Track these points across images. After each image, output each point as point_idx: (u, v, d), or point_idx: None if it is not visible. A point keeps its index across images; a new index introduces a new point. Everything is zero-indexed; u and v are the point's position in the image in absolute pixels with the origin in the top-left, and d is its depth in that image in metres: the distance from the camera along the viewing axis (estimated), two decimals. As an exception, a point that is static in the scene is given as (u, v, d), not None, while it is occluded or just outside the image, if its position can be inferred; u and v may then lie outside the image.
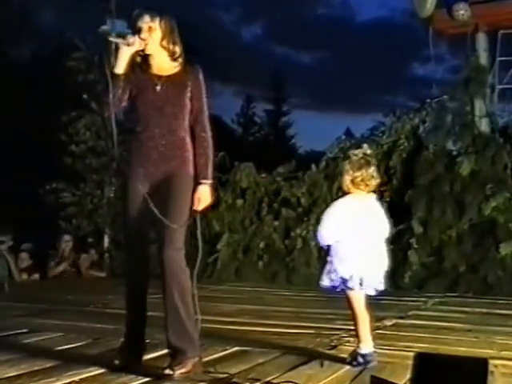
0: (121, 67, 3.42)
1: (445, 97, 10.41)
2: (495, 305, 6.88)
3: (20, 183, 12.68)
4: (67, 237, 10.20)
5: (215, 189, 3.62)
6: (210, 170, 3.51)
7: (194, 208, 3.43)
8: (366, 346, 3.64)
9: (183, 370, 3.27)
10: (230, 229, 10.01)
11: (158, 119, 3.44)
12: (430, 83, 11.24)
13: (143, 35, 3.39)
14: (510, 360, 3.87)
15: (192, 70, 3.51)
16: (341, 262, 3.64)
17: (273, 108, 27.31)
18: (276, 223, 9.88)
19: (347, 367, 3.59)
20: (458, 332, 4.99)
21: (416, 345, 4.17)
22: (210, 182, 3.49)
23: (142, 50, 3.44)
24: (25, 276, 9.32)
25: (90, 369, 3.41)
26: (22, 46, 17.71)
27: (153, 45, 3.44)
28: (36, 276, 9.53)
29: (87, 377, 3.29)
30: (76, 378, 3.24)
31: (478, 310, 6.49)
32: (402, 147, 9.93)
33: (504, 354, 4.08)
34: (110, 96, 3.35)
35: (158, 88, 3.45)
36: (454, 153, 9.75)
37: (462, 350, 4.13)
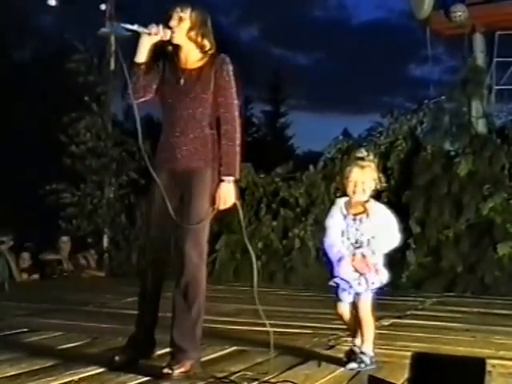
0: (141, 56, 3.32)
1: (442, 97, 10.44)
2: (493, 305, 6.91)
3: (20, 184, 12.69)
4: (65, 238, 10.22)
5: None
6: (234, 167, 3.34)
7: (216, 207, 3.32)
8: (372, 348, 3.65)
9: (182, 370, 3.26)
10: (228, 229, 10.02)
11: (181, 114, 3.35)
12: (427, 84, 11.30)
13: (172, 23, 3.31)
14: (507, 360, 3.89)
15: (217, 61, 3.37)
16: (383, 266, 3.65)
17: (271, 109, 27.31)
18: (274, 223, 9.90)
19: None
20: (455, 332, 5.01)
21: (414, 344, 4.19)
22: (233, 179, 3.34)
23: (170, 40, 3.34)
24: (25, 276, 9.34)
25: (90, 368, 3.42)
26: (24, 47, 17.72)
27: (180, 35, 3.33)
28: (36, 276, 9.55)
29: (86, 376, 3.29)
30: (75, 378, 3.24)
31: (475, 309, 6.51)
32: (399, 148, 9.95)
33: (501, 353, 4.10)
34: (129, 86, 3.24)
35: (182, 82, 3.36)
36: (452, 153, 9.78)
37: (459, 350, 4.14)
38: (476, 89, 10.22)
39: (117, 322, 5.26)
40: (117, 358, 3.42)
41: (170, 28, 3.32)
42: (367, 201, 3.67)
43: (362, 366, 3.55)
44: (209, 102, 3.36)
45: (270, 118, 27.43)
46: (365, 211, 3.65)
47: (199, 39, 3.37)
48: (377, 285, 3.64)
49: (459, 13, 10.21)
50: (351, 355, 3.65)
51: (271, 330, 3.45)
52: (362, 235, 3.63)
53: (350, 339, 3.87)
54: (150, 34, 3.29)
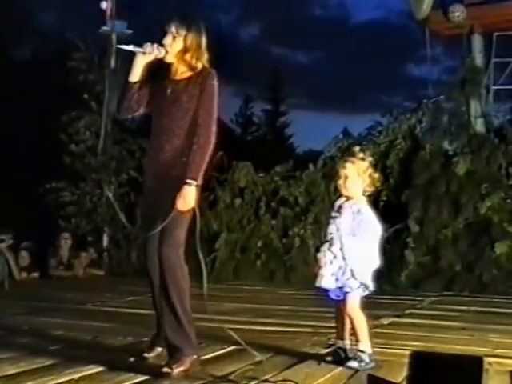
0: (135, 75, 3.41)
1: (441, 97, 10.47)
2: (490, 303, 6.94)
3: (20, 182, 12.70)
4: (66, 234, 10.23)
5: (210, 189, 3.59)
6: (198, 172, 3.38)
7: (175, 207, 3.35)
8: (369, 346, 3.66)
9: (181, 368, 3.29)
10: (228, 228, 10.04)
11: (166, 124, 3.44)
12: (425, 84, 11.32)
13: (166, 41, 3.38)
14: (504, 358, 3.91)
15: (204, 74, 3.44)
16: (363, 265, 3.63)
17: (271, 108, 27.33)
18: (274, 222, 9.92)
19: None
20: (453, 330, 5.04)
21: (412, 343, 4.21)
22: (195, 183, 3.37)
23: (163, 59, 3.42)
24: (24, 274, 9.36)
25: (89, 367, 3.43)
26: (25, 47, 17.74)
27: (173, 55, 3.42)
28: (35, 274, 9.57)
29: (86, 375, 3.30)
30: (75, 376, 3.25)
31: (473, 308, 6.54)
32: (398, 147, 9.98)
33: (499, 351, 4.12)
34: (106, 100, 3.44)
35: (169, 91, 3.44)
36: (450, 153, 9.81)
37: (457, 348, 4.17)
38: (474, 89, 10.25)
39: (116, 320, 5.28)
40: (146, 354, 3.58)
41: (163, 46, 3.39)
42: (352, 198, 3.71)
43: (362, 364, 3.57)
44: (192, 111, 3.43)
45: (271, 116, 27.45)
46: (345, 208, 3.70)
47: (193, 62, 3.44)
48: (355, 285, 3.62)
49: (457, 13, 10.24)
50: (334, 354, 3.68)
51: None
52: (336, 231, 3.67)
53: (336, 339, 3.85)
54: (144, 53, 3.36)
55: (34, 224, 10.55)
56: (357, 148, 3.85)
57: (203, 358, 3.70)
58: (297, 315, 5.87)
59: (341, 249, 3.63)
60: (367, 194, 3.76)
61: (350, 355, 3.65)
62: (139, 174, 10.85)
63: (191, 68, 3.45)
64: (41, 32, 18.10)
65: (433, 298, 7.31)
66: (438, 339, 4.56)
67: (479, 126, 10.33)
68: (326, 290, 3.70)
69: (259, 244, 9.76)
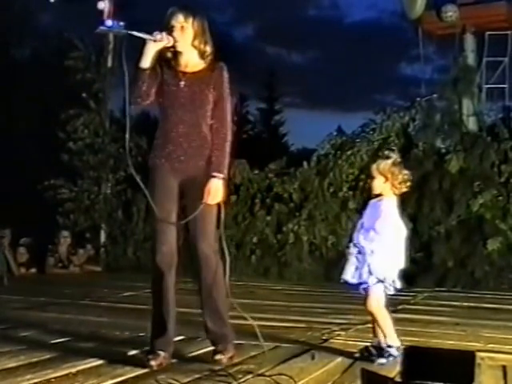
0: (146, 62, 3.39)
1: (434, 96, 10.53)
2: (482, 299, 7.00)
3: (19, 179, 12.71)
4: (65, 232, 10.28)
5: (227, 186, 3.56)
6: (224, 165, 3.43)
7: (204, 201, 3.37)
8: (395, 338, 3.69)
9: (229, 355, 3.43)
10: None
11: (181, 116, 3.44)
12: (417, 83, 11.39)
13: (175, 34, 3.40)
14: (496, 353, 3.96)
15: (216, 67, 3.49)
16: (382, 262, 3.67)
17: (266, 107, 27.31)
18: (268, 218, 9.96)
19: (338, 360, 3.65)
20: (446, 326, 5.09)
21: (405, 338, 4.23)
22: (222, 176, 3.41)
23: (173, 47, 3.44)
24: (23, 270, 9.40)
25: (87, 361, 3.46)
26: (24, 46, 17.72)
27: (184, 44, 3.44)
28: (33, 270, 9.61)
29: (84, 369, 3.32)
30: (73, 370, 3.27)
31: (465, 304, 6.60)
32: (392, 144, 10.03)
33: (491, 346, 4.17)
34: (127, 92, 3.36)
35: (182, 84, 3.45)
36: (443, 150, 9.88)
37: (450, 343, 4.22)
38: (467, 87, 10.33)
39: (113, 315, 5.32)
40: (152, 362, 3.37)
41: (174, 38, 3.41)
42: (379, 195, 3.77)
43: (391, 359, 3.58)
44: (207, 103, 3.46)
45: (265, 115, 27.43)
46: (370, 205, 3.80)
47: (202, 46, 3.48)
48: (372, 281, 3.66)
49: (450, 13, 10.32)
50: (364, 352, 3.69)
51: (254, 323, 3.51)
52: (361, 226, 3.75)
53: (343, 333, 3.88)
54: (155, 40, 3.37)
55: (33, 220, 10.58)
56: (389, 149, 3.94)
57: (199, 352, 3.74)
58: (291, 310, 5.91)
59: (363, 244, 3.68)
60: (396, 193, 3.78)
61: (378, 352, 3.65)
62: (136, 171, 10.88)
63: (201, 54, 3.49)
64: (40, 31, 18.08)
65: (426, 294, 7.37)
66: (430, 334, 4.62)
67: (472, 124, 10.40)
68: (351, 285, 3.74)
69: (254, 240, 9.80)
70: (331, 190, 9.89)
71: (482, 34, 10.79)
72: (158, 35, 3.37)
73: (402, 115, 10.56)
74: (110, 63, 10.98)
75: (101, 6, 10.48)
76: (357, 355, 3.71)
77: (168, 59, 3.51)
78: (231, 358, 3.44)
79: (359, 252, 3.69)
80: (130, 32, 3.34)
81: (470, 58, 10.72)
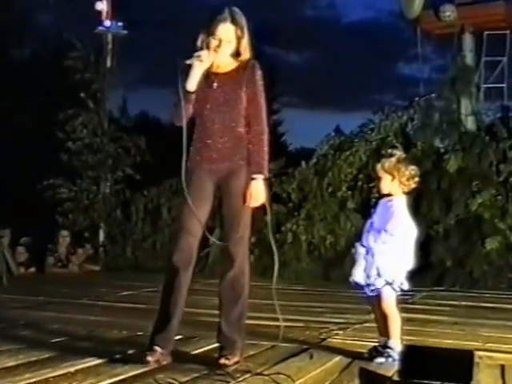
0: (193, 84, 3.37)
1: (432, 95, 10.55)
2: (481, 298, 7.02)
3: (18, 179, 12.74)
4: (65, 232, 10.30)
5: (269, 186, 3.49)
6: (262, 164, 3.41)
7: (247, 205, 3.37)
8: (399, 343, 3.66)
9: (236, 360, 3.39)
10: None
11: (215, 116, 3.42)
12: (415, 82, 11.41)
13: (222, 48, 3.37)
14: (494, 352, 3.97)
15: (248, 66, 3.46)
16: (391, 263, 3.63)
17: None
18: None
19: (336, 359, 3.66)
20: (444, 325, 5.11)
21: (404, 337, 4.23)
22: (262, 176, 3.39)
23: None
24: (22, 269, 9.41)
25: (85, 360, 3.46)
26: (23, 46, 17.75)
27: (224, 55, 3.42)
28: (33, 269, 9.62)
29: (82, 368, 3.32)
30: (72, 369, 3.27)
31: (464, 303, 6.62)
32: (392, 143, 10.04)
33: (489, 345, 4.18)
34: (182, 112, 3.31)
35: (215, 85, 3.43)
36: (442, 150, 9.89)
37: (448, 343, 4.23)
38: (465, 87, 10.34)
39: (112, 315, 5.33)
40: (148, 357, 3.37)
41: (216, 52, 3.37)
42: (388, 195, 3.73)
43: (390, 360, 3.56)
44: (241, 102, 3.45)
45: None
46: (380, 205, 3.76)
47: (242, 57, 3.46)
48: (380, 283, 3.63)
49: (448, 13, 10.34)
50: (372, 352, 3.68)
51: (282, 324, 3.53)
52: (370, 227, 3.71)
53: (341, 332, 3.89)
54: (201, 61, 3.34)
55: (32, 220, 10.61)
56: (393, 147, 3.89)
57: (197, 351, 3.75)
58: (289, 310, 5.91)
59: (372, 245, 3.65)
60: (406, 191, 3.74)
61: (379, 351, 3.66)
62: (134, 171, 10.94)
63: (239, 60, 3.46)
64: (39, 32, 18.11)
65: (424, 293, 7.37)
66: (429, 333, 4.63)
67: (470, 123, 10.42)
68: (360, 286, 3.71)
69: (252, 239, 9.80)
70: (330, 189, 9.90)
71: (480, 34, 10.82)
72: (203, 56, 3.34)
73: (400, 115, 10.58)
74: (108, 63, 11.03)
75: (99, 6, 10.50)
76: (366, 355, 3.70)
77: None
78: (236, 363, 3.40)
79: (367, 253, 3.66)
80: (185, 61, 3.31)
81: (469, 58, 10.74)
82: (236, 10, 3.44)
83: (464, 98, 10.43)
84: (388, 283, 3.63)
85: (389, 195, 3.73)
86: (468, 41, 10.85)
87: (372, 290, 3.67)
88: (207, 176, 3.45)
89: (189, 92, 3.38)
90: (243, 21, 3.44)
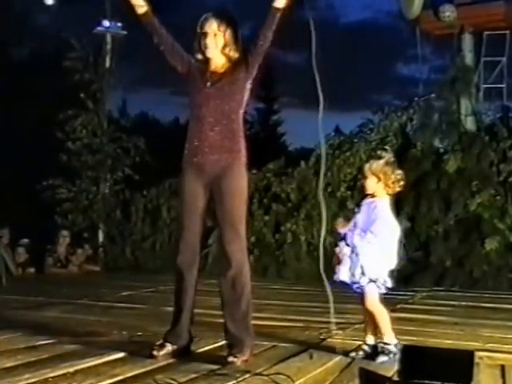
0: (138, 7, 3.52)
1: (432, 95, 10.55)
2: (481, 298, 7.01)
3: (17, 179, 12.75)
4: (65, 232, 10.31)
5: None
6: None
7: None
8: (393, 336, 3.71)
9: (244, 358, 3.40)
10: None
11: (209, 111, 3.49)
12: (415, 82, 11.42)
13: (208, 40, 3.47)
14: (495, 352, 3.96)
15: (241, 62, 3.56)
16: (375, 262, 3.69)
17: (264, 107, 27.34)
18: (266, 218, 9.96)
19: (336, 359, 3.65)
20: (444, 325, 5.10)
21: (403, 338, 4.24)
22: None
23: (203, 52, 3.52)
24: (21, 270, 9.42)
25: (85, 360, 3.46)
26: (22, 46, 17.78)
27: (214, 50, 3.51)
28: (32, 270, 9.62)
29: (82, 368, 3.33)
30: (71, 369, 3.27)
31: (463, 303, 6.61)
32: (389, 144, 10.04)
33: (489, 346, 4.18)
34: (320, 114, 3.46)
35: (209, 83, 3.51)
36: (441, 150, 9.89)
37: (448, 343, 4.23)
38: (465, 87, 10.35)
39: (111, 315, 5.33)
40: (155, 352, 3.49)
41: (205, 42, 3.50)
42: (375, 197, 3.76)
43: (391, 355, 3.59)
44: (236, 99, 3.52)
45: (263, 115, 27.46)
46: (364, 205, 3.80)
47: (231, 54, 3.55)
48: (364, 281, 3.69)
49: (448, 13, 10.34)
50: (366, 350, 3.70)
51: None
52: (354, 226, 3.76)
53: (341, 332, 3.89)
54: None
55: (31, 220, 10.62)
56: (383, 149, 3.93)
57: (197, 351, 3.74)
58: (289, 310, 5.92)
59: (357, 244, 3.69)
60: (390, 193, 3.77)
61: (378, 350, 3.67)
62: (134, 171, 10.95)
63: (229, 60, 3.55)
64: (38, 32, 18.14)
65: (424, 293, 7.37)
66: (429, 334, 4.63)
67: (469, 123, 10.42)
68: (345, 284, 3.76)
69: (252, 239, 9.80)
70: (329, 189, 9.89)
71: (479, 34, 10.82)
72: None
73: (399, 115, 10.58)
74: (107, 64, 11.04)
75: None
76: (352, 355, 3.72)
77: (199, 62, 3.57)
78: (245, 361, 3.41)
79: (352, 252, 3.72)
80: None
81: (468, 58, 10.75)
82: (227, 10, 3.60)
83: (463, 98, 10.43)
84: (372, 281, 3.69)
85: (373, 195, 3.78)
86: (467, 41, 10.85)
87: (357, 288, 3.73)
88: (197, 173, 3.51)
89: (140, 15, 3.54)
90: (229, 17, 3.55)
